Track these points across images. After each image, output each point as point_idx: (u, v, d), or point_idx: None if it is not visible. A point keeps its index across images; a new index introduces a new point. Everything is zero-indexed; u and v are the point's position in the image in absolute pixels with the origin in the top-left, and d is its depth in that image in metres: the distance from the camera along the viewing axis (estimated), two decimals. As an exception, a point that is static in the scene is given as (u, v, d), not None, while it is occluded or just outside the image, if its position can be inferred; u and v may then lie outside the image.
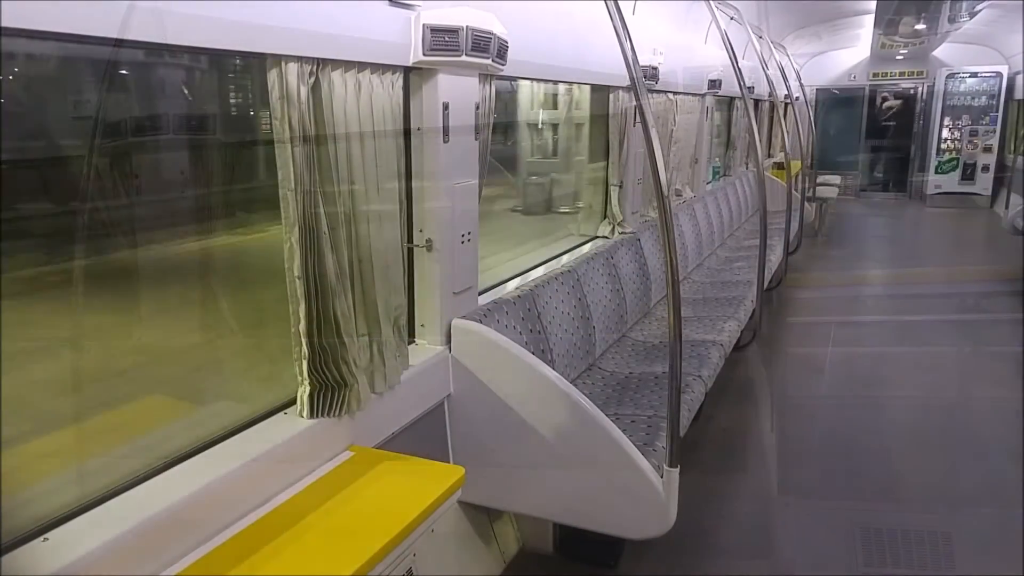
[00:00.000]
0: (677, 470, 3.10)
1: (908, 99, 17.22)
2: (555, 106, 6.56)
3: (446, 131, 3.24)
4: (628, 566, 3.79)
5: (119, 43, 1.93)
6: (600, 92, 5.55)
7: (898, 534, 4.03)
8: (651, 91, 6.16)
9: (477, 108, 3.48)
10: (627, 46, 2.99)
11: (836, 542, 3.98)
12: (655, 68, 5.74)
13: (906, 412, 5.61)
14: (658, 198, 3.04)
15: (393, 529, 2.34)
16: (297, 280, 2.59)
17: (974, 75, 15.63)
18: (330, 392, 2.77)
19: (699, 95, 7.85)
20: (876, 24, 12.17)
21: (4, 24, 1.60)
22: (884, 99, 17.44)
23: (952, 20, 11.58)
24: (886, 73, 16.96)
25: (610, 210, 5.84)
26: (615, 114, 5.60)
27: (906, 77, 16.87)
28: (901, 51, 15.70)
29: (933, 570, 3.77)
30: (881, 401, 5.81)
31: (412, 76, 3.14)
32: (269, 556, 2.23)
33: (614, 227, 5.83)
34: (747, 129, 9.12)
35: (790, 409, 5.73)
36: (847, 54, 16.97)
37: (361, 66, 2.67)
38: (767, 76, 8.61)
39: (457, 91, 3.29)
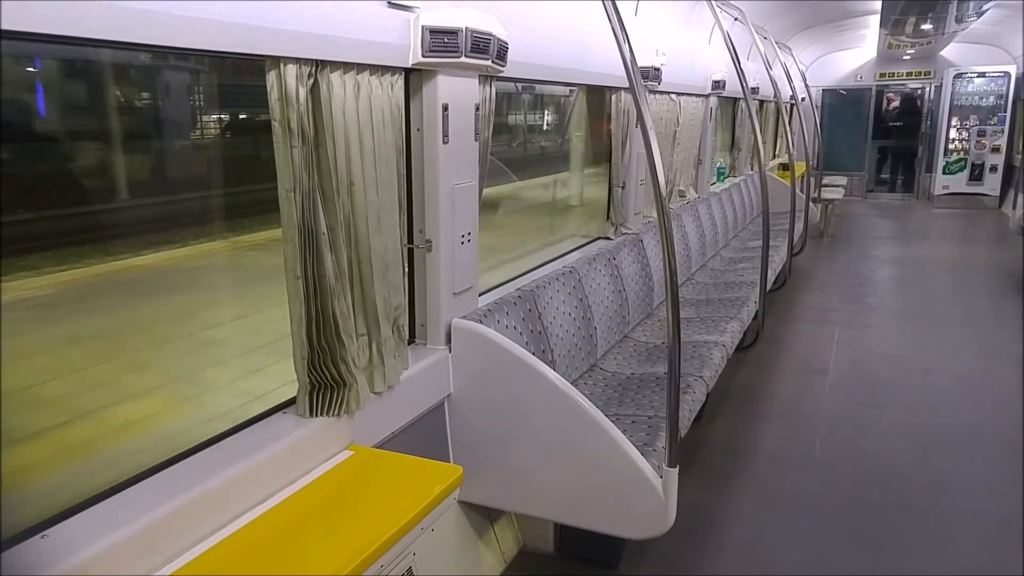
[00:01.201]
0: (676, 470, 3.11)
1: (908, 98, 17.20)
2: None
3: (446, 132, 3.26)
4: (629, 566, 3.80)
5: (117, 46, 1.95)
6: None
7: (900, 536, 4.04)
8: (654, 92, 6.17)
9: (477, 109, 3.49)
10: (625, 47, 3.00)
11: (838, 544, 3.98)
12: (658, 69, 5.74)
13: (910, 415, 5.59)
14: (656, 200, 3.05)
15: (392, 527, 2.35)
16: (296, 280, 2.60)
17: (982, 75, 15.60)
18: (329, 392, 2.78)
19: (703, 96, 7.85)
20: (882, 24, 12.13)
21: (3, 27, 1.62)
22: (890, 100, 17.44)
23: (959, 20, 11.55)
24: (893, 73, 16.94)
25: (613, 210, 5.86)
26: (617, 115, 5.61)
27: (913, 77, 16.85)
28: (908, 51, 15.67)
29: (934, 570, 3.77)
30: (886, 404, 5.80)
31: (412, 77, 3.16)
32: (268, 554, 2.24)
33: (617, 227, 5.84)
34: (751, 130, 9.12)
35: (794, 411, 5.73)
36: (853, 54, 16.96)
37: (360, 67, 2.69)
38: (771, 77, 8.60)
39: (457, 92, 3.30)
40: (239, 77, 3.55)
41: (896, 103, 17.42)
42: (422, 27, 2.95)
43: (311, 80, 2.50)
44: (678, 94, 6.90)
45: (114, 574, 2.01)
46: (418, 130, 3.25)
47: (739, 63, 6.07)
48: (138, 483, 2.29)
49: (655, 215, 6.35)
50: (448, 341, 3.47)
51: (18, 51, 2.42)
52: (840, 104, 17.55)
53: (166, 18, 1.99)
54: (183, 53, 2.33)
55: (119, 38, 1.90)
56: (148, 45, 2.03)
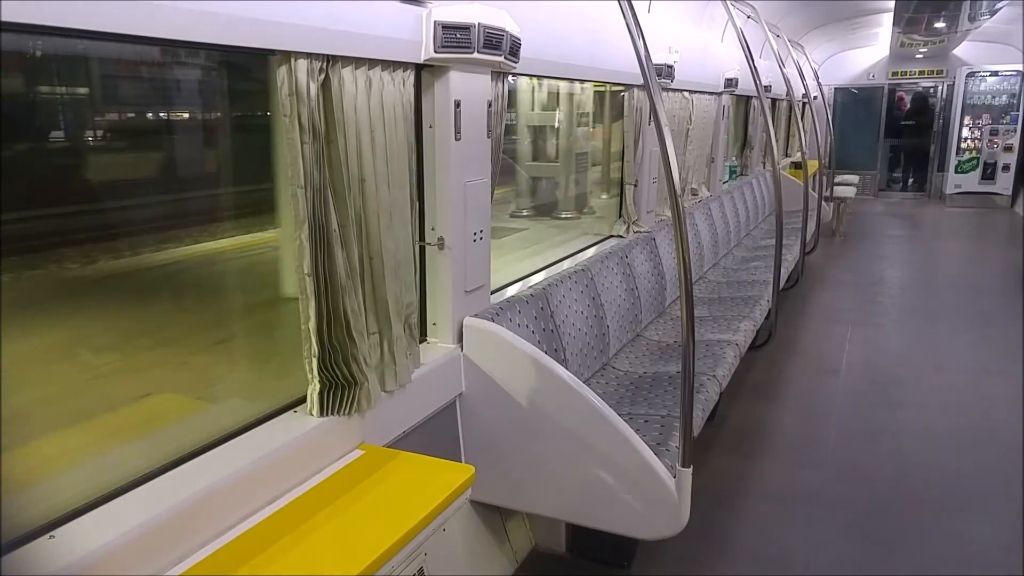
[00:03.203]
0: (690, 470, 3.08)
1: (920, 97, 17.11)
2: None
3: (458, 129, 3.23)
4: (641, 566, 3.77)
5: (124, 39, 1.92)
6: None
7: (914, 535, 4.00)
8: (667, 89, 6.13)
9: (489, 106, 3.46)
10: (640, 44, 2.97)
11: (852, 543, 3.95)
12: (671, 66, 5.70)
13: (922, 414, 5.55)
14: (671, 197, 3.02)
15: (403, 528, 2.32)
16: (307, 277, 2.58)
17: (994, 74, 15.50)
18: (340, 390, 2.75)
19: (715, 94, 7.81)
20: (895, 22, 12.08)
21: (5, 19, 1.60)
22: (901, 98, 17.37)
23: (972, 18, 11.49)
24: (905, 72, 16.86)
25: (625, 209, 5.82)
26: (630, 112, 5.58)
27: (926, 76, 16.76)
28: (920, 50, 15.60)
29: (948, 569, 3.73)
30: (899, 403, 5.76)
31: (424, 73, 3.13)
32: (278, 554, 2.22)
33: (629, 226, 5.81)
34: (764, 128, 9.08)
35: (806, 410, 5.68)
36: (865, 53, 16.88)
37: (372, 63, 2.66)
38: (784, 75, 8.55)
39: (469, 89, 3.27)
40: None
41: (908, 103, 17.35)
42: (434, 22, 2.92)
43: (322, 75, 2.48)
44: (691, 92, 6.85)
45: (122, 574, 1.99)
46: (430, 127, 3.22)
47: (752, 61, 6.02)
48: (147, 482, 2.27)
49: (668, 213, 6.31)
50: (460, 339, 3.44)
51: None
52: (852, 103, 17.49)
53: (174, 12, 1.97)
54: (192, 48, 2.30)
55: (126, 31, 1.88)
56: (156, 39, 2.00)
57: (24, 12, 1.64)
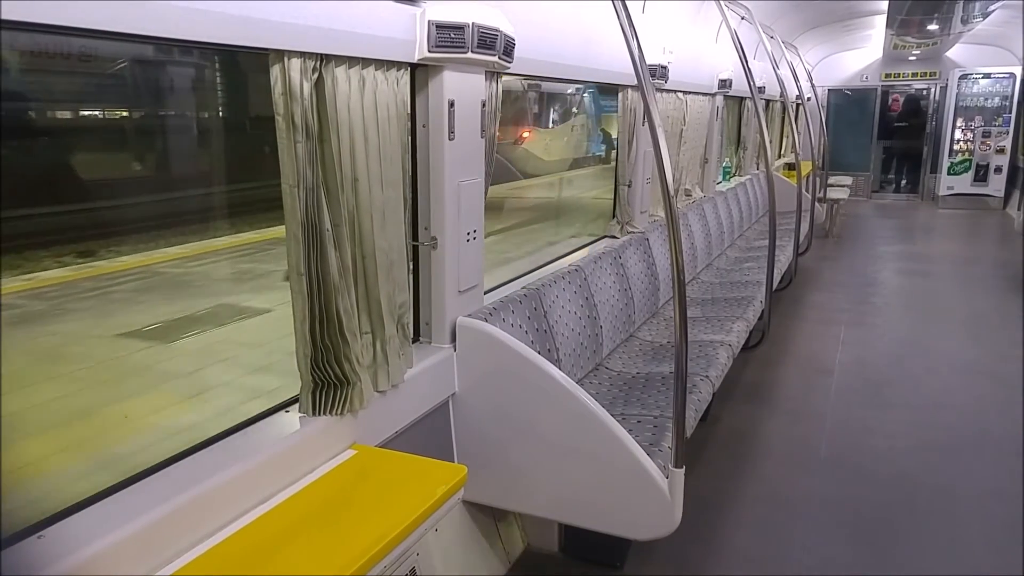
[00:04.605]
0: (682, 471, 3.08)
1: (913, 99, 17.16)
2: None
3: (452, 128, 3.23)
4: (634, 566, 3.77)
5: (116, 37, 1.92)
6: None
7: (906, 536, 4.00)
8: (661, 90, 6.14)
9: (483, 106, 3.46)
10: (634, 45, 2.97)
11: (844, 544, 3.95)
12: (665, 67, 5.71)
13: (916, 415, 5.56)
14: (664, 198, 3.02)
15: (395, 528, 2.32)
16: (299, 277, 2.57)
17: (987, 76, 15.61)
18: (332, 390, 2.75)
19: (709, 94, 7.82)
20: (888, 24, 12.11)
21: (2, 16, 1.59)
22: (895, 99, 17.43)
23: (965, 21, 11.51)
24: (898, 74, 16.92)
25: (619, 209, 5.83)
26: (624, 113, 5.58)
27: (919, 78, 16.82)
28: (914, 52, 15.65)
29: (940, 570, 3.74)
30: (892, 404, 5.77)
31: (418, 73, 3.13)
32: (270, 554, 2.21)
33: (623, 226, 5.81)
34: (758, 129, 9.09)
35: (799, 411, 5.69)
36: (859, 55, 16.95)
37: (365, 62, 2.65)
38: (778, 76, 8.56)
39: (463, 88, 3.27)
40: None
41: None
42: (428, 22, 2.92)
43: (315, 75, 2.47)
44: (685, 92, 6.86)
45: (113, 574, 1.98)
46: (424, 126, 3.22)
47: (746, 62, 6.03)
48: (138, 482, 2.27)
49: (661, 214, 6.31)
50: (453, 340, 3.44)
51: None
52: (846, 104, 17.55)
53: (167, 9, 1.96)
54: (185, 46, 2.29)
55: (118, 29, 1.87)
56: (149, 37, 2.00)
57: (20, 11, 1.63)
